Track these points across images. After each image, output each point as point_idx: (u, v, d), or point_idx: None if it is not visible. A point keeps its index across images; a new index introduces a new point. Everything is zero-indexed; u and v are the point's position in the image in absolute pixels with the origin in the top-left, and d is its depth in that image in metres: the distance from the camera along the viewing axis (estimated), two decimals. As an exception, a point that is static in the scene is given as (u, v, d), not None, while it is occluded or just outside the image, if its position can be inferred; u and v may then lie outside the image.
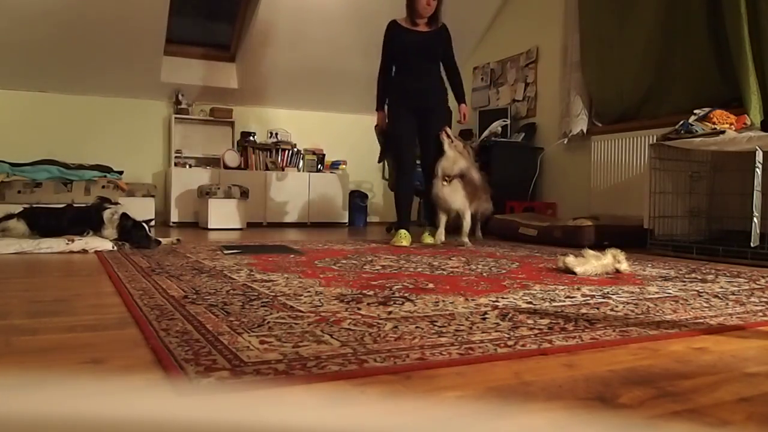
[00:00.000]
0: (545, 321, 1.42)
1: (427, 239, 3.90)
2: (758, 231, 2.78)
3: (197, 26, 6.10)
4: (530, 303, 1.67)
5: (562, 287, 1.97)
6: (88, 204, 3.66)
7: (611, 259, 2.33)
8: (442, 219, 3.84)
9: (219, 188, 5.36)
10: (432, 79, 3.85)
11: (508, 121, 5.42)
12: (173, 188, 5.75)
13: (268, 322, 1.35)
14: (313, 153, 6.50)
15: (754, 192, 2.78)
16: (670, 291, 1.93)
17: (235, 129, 6.27)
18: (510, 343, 1.20)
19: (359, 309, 1.53)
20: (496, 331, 1.30)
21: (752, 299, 1.81)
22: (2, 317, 1.44)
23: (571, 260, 2.34)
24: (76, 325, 1.36)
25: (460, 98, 3.98)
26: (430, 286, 1.96)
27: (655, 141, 3.47)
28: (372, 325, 1.34)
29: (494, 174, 4.95)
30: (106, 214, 3.32)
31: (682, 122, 3.34)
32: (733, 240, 3.14)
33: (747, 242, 2.82)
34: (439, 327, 1.33)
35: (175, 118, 5.99)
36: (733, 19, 3.53)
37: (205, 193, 5.37)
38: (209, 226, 5.31)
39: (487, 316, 1.47)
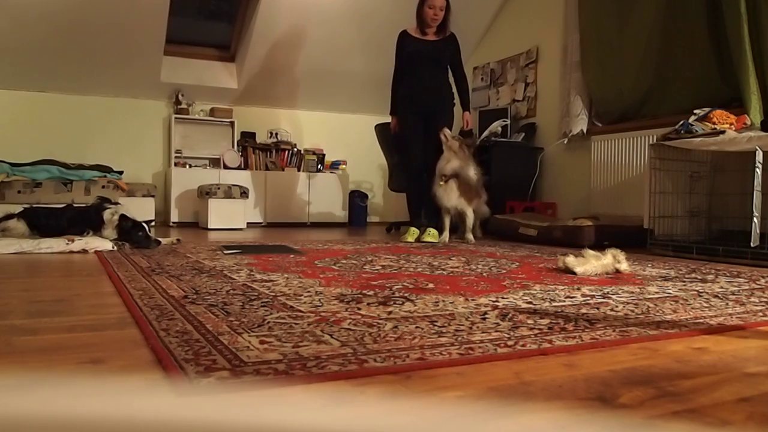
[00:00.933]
0: (545, 321, 1.42)
1: (428, 237, 4.00)
2: (758, 231, 2.78)
3: (197, 26, 6.10)
4: (530, 303, 1.67)
5: (562, 287, 1.97)
6: (88, 204, 3.66)
7: (611, 259, 2.33)
8: (446, 219, 4.05)
9: (219, 188, 5.36)
10: (438, 85, 4.09)
11: (508, 121, 5.42)
12: (173, 188, 5.75)
13: (268, 322, 1.35)
14: (313, 153, 6.50)
15: (754, 192, 2.78)
16: (670, 291, 1.93)
17: (235, 129, 6.27)
18: (510, 343, 1.20)
19: (359, 309, 1.53)
20: (496, 331, 1.30)
21: (752, 299, 1.80)
22: (2, 317, 1.44)
23: (571, 260, 2.34)
24: (76, 325, 1.36)
25: (465, 106, 4.21)
26: (430, 286, 1.96)
27: (655, 141, 3.47)
28: (372, 325, 1.34)
29: (494, 174, 4.96)
30: (106, 214, 3.32)
31: (682, 122, 3.34)
32: (733, 240, 3.14)
33: (747, 242, 2.82)
34: (439, 327, 1.33)
35: (175, 118, 5.99)
36: (733, 19, 3.53)
37: (205, 193, 5.37)
38: (209, 226, 5.31)
39: (487, 316, 1.47)
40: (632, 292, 1.88)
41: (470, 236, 4.02)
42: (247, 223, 5.69)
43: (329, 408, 0.86)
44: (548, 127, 5.24)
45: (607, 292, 1.87)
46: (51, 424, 0.76)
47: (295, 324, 1.34)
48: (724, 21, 3.63)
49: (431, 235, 4.00)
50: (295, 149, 6.46)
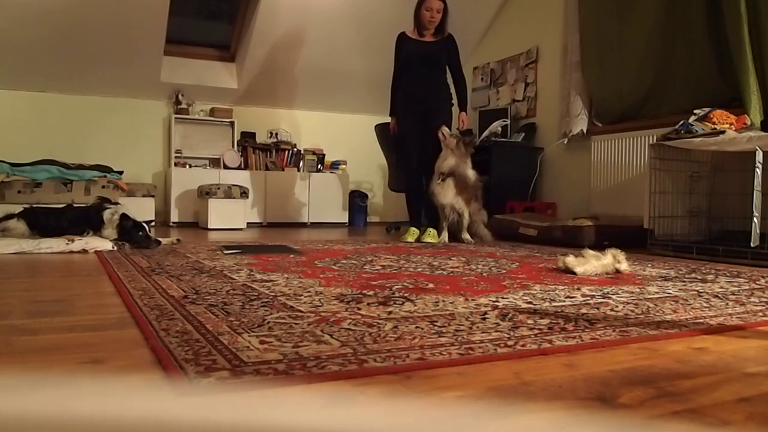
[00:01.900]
0: (545, 321, 1.42)
1: (428, 238, 4.02)
2: (758, 231, 2.78)
3: (197, 26, 6.10)
4: (530, 303, 1.67)
5: (562, 287, 1.97)
6: (88, 204, 3.66)
7: (611, 259, 2.33)
8: (444, 219, 4.03)
9: (219, 188, 5.36)
10: (435, 85, 4.12)
11: (508, 121, 5.42)
12: (173, 188, 5.74)
13: (268, 322, 1.35)
14: (313, 153, 6.50)
15: (754, 192, 2.78)
16: (670, 291, 1.93)
17: (235, 129, 6.27)
18: (510, 343, 1.20)
19: (359, 309, 1.53)
20: (496, 331, 1.30)
21: (752, 299, 1.80)
22: (2, 317, 1.44)
23: (571, 260, 2.34)
24: (76, 325, 1.36)
25: (462, 106, 4.23)
26: (430, 286, 1.96)
27: (655, 141, 3.47)
28: (372, 325, 1.34)
29: (494, 174, 4.96)
30: (106, 214, 3.32)
31: (682, 122, 3.34)
32: (733, 240, 3.13)
33: (747, 242, 2.82)
34: (439, 327, 1.33)
35: (175, 118, 5.99)
36: (733, 19, 3.53)
37: (205, 193, 5.37)
38: (209, 226, 5.31)
39: (487, 316, 1.47)
40: (632, 292, 1.88)
41: (467, 236, 4.01)
42: (247, 223, 5.69)
43: (329, 408, 0.86)
44: (548, 127, 5.24)
45: (607, 292, 1.87)
46: (51, 424, 0.76)
47: (295, 324, 1.34)
48: (724, 21, 3.63)
49: (431, 235, 4.00)
50: (295, 149, 6.46)
